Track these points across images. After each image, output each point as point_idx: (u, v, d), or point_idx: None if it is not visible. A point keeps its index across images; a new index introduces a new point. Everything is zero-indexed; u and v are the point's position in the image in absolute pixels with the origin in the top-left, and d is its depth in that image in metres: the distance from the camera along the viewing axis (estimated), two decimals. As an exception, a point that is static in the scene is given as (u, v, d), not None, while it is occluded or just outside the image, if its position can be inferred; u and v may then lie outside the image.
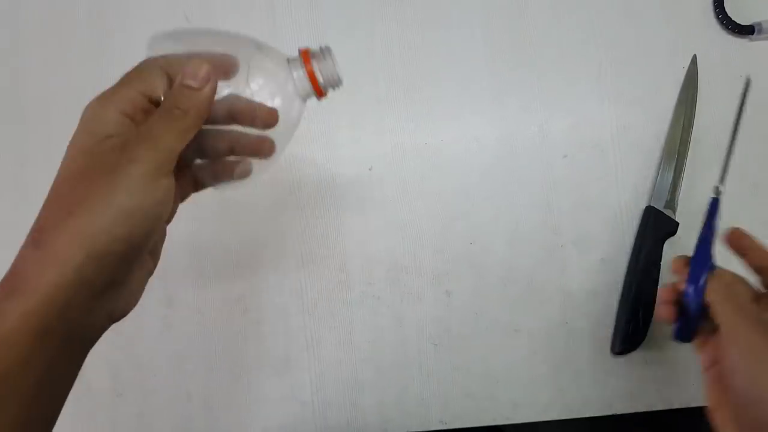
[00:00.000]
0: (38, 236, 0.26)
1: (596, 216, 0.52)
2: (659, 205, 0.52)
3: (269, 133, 0.33)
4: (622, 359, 0.51)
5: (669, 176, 0.52)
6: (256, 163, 0.34)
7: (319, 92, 0.33)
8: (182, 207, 0.34)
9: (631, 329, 0.51)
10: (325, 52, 0.33)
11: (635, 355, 0.51)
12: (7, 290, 0.25)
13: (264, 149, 0.33)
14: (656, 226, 0.51)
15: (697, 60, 0.54)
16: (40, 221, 0.27)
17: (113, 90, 0.29)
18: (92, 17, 0.56)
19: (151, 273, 0.32)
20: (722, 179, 0.42)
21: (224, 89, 0.31)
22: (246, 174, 0.33)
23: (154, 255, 0.32)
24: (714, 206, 0.41)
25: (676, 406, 0.51)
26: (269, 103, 0.32)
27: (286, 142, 0.34)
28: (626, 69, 0.54)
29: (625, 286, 0.52)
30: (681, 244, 0.51)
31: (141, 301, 0.53)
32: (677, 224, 0.51)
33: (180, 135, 0.28)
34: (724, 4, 0.54)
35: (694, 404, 0.51)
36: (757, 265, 0.37)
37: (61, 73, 0.56)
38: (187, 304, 0.53)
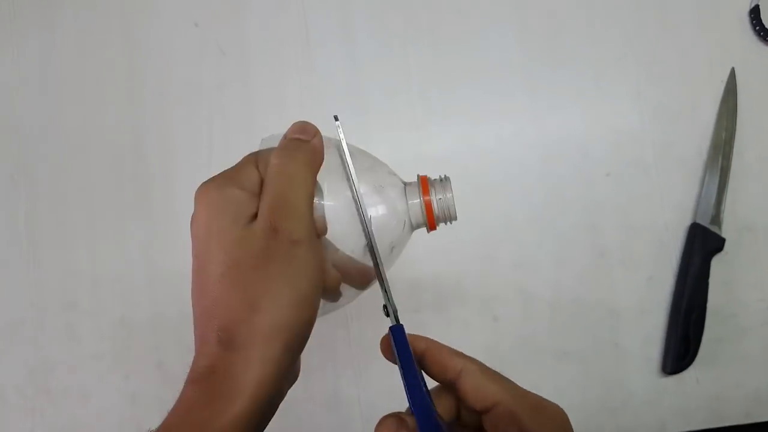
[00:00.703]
0: (226, 335, 0.25)
1: (641, 234, 0.52)
2: (705, 222, 0.51)
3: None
4: (673, 378, 0.51)
5: (713, 191, 0.52)
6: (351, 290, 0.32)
7: (432, 225, 0.31)
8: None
9: (682, 348, 0.50)
10: (445, 183, 0.31)
11: (687, 374, 0.51)
12: (212, 394, 0.24)
13: (366, 279, 0.32)
14: (703, 243, 0.51)
15: (735, 73, 0.53)
16: (217, 320, 0.25)
17: (226, 175, 0.28)
18: (128, 55, 0.56)
19: None
20: (389, 299, 0.31)
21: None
22: (337, 299, 0.32)
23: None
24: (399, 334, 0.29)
25: (729, 423, 0.51)
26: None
27: (387, 268, 0.31)
28: (665, 84, 0.53)
29: (674, 305, 0.51)
30: (728, 260, 0.51)
31: (188, 338, 0.53)
32: (724, 240, 0.51)
33: (292, 188, 0.27)
34: (761, 15, 0.53)
35: (747, 421, 0.51)
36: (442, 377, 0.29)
37: (100, 110, 0.55)
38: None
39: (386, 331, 0.30)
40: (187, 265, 0.46)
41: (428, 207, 0.30)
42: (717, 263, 0.51)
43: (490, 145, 0.54)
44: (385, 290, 0.30)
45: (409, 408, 0.27)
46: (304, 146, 0.28)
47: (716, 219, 0.51)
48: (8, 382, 0.53)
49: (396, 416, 0.27)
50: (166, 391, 0.55)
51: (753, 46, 0.54)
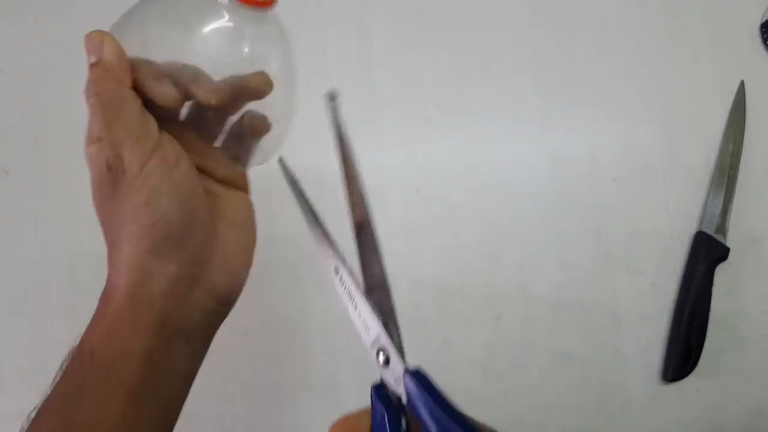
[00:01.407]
0: (109, 262, 0.30)
1: (646, 240, 0.52)
2: (710, 230, 0.51)
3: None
4: (673, 386, 0.50)
5: (719, 201, 0.52)
6: (274, 116, 0.32)
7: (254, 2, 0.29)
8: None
9: (683, 356, 0.50)
10: None
11: (687, 382, 0.50)
12: (102, 301, 0.30)
13: (256, 90, 0.31)
14: (707, 251, 0.51)
15: (744, 85, 0.54)
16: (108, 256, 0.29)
17: None
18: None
19: (245, 246, 0.33)
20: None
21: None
22: (265, 130, 0.32)
23: (240, 227, 0.33)
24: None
25: (728, 434, 0.51)
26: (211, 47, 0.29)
27: (285, 83, 0.31)
28: (675, 94, 0.54)
29: (677, 312, 0.51)
30: (732, 270, 0.51)
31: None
32: (728, 249, 0.51)
33: (113, 120, 0.27)
34: (772, 30, 0.54)
35: (746, 433, 0.50)
36: None
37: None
38: (232, 324, 0.53)
39: None
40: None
41: None
42: (721, 272, 0.51)
43: (500, 146, 0.54)
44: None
45: None
46: (100, 70, 0.28)
47: (721, 228, 0.51)
48: (7, 360, 0.53)
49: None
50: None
51: (763, 60, 0.54)
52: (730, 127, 0.53)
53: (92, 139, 0.28)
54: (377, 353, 0.26)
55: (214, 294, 0.30)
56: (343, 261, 0.28)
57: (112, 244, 0.29)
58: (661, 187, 0.53)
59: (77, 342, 0.30)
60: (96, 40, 0.28)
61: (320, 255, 0.29)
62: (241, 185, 0.34)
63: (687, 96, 0.54)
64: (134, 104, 0.28)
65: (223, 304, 0.32)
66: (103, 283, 0.53)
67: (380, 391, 0.26)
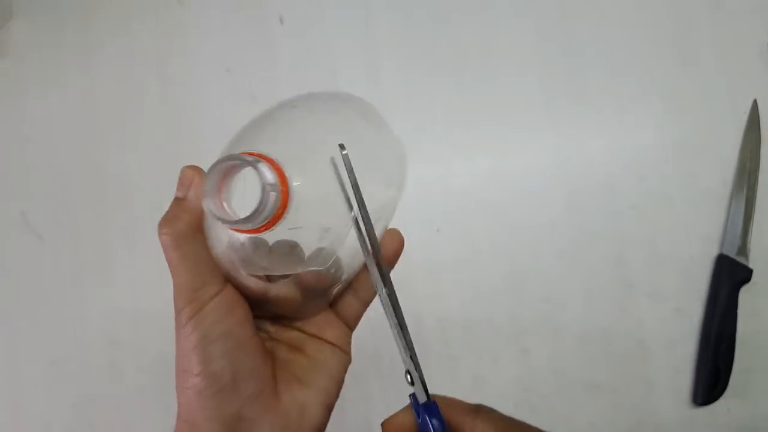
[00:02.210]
0: None
1: (668, 266, 0.53)
2: (731, 253, 0.52)
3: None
4: (704, 409, 0.51)
5: (739, 222, 0.52)
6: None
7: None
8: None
9: (713, 378, 0.51)
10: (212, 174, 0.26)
11: (718, 405, 0.51)
12: None
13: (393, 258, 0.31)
14: (730, 274, 0.51)
15: (757, 104, 0.54)
16: None
17: None
18: (163, 100, 0.58)
19: (312, 407, 0.30)
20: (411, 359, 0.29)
21: None
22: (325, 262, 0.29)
23: (315, 388, 0.30)
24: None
25: (762, 453, 0.51)
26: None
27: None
28: (687, 117, 0.54)
29: (703, 336, 0.52)
30: (757, 291, 0.51)
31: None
32: (751, 271, 0.51)
33: (177, 264, 0.27)
34: (782, 47, 0.54)
35: (781, 451, 0.51)
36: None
37: (138, 153, 0.58)
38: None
39: (401, 370, 0.29)
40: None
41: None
42: (745, 293, 0.51)
43: (515, 180, 0.55)
44: (406, 343, 0.28)
45: None
46: (180, 209, 0.28)
47: (743, 250, 0.52)
48: (54, 418, 0.55)
49: None
50: (204, 424, 0.57)
51: (774, 77, 0.54)
52: (746, 147, 0.53)
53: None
54: (406, 374, 0.29)
55: None
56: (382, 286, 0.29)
57: (177, 394, 0.28)
58: (680, 212, 0.53)
59: None
60: (188, 176, 0.28)
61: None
62: (336, 341, 0.32)
63: (699, 119, 0.54)
64: (199, 253, 0.28)
65: None
66: (140, 341, 0.56)
67: (415, 398, 0.28)
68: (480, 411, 0.28)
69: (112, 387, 0.55)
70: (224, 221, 0.25)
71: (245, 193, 0.27)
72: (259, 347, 0.29)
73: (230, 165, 0.26)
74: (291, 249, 0.28)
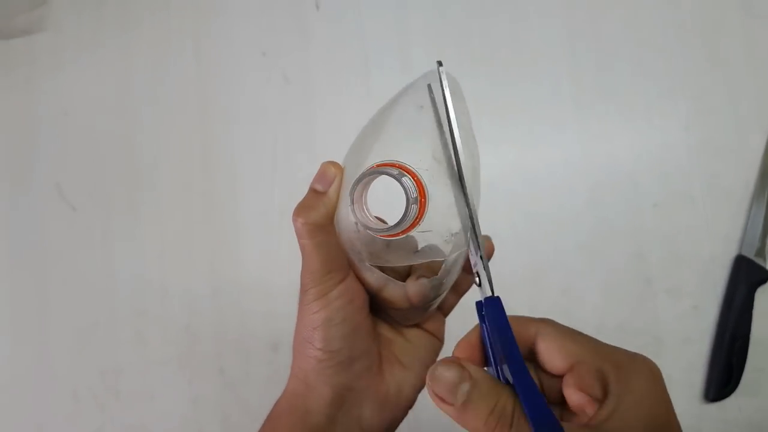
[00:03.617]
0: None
1: (687, 264, 0.53)
2: (750, 254, 0.53)
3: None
4: (715, 405, 0.52)
5: (759, 224, 0.53)
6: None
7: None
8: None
9: (725, 376, 0.52)
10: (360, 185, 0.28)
11: (729, 402, 0.52)
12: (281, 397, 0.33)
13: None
14: (748, 274, 0.52)
15: (784, 108, 0.54)
16: None
17: None
18: (198, 79, 0.59)
19: (406, 386, 0.33)
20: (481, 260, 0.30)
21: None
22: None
23: (410, 370, 0.34)
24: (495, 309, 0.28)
25: (771, 452, 0.52)
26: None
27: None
28: (713, 118, 0.55)
29: (718, 334, 0.53)
30: (773, 292, 0.52)
31: (248, 346, 0.56)
32: (769, 272, 0.52)
33: (311, 250, 0.30)
34: (811, 53, 0.55)
35: (789, 450, 0.52)
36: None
37: (171, 130, 0.59)
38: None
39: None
40: (249, 278, 0.55)
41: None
42: (761, 294, 0.52)
43: (540, 173, 0.56)
44: (478, 248, 0.30)
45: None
46: (319, 203, 0.30)
47: (761, 251, 0.53)
48: (81, 383, 0.57)
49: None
50: (225, 396, 0.58)
51: (802, 82, 0.55)
52: (770, 151, 0.54)
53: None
54: (476, 275, 0.30)
55: (362, 425, 0.32)
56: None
57: (294, 353, 0.32)
58: (701, 212, 0.54)
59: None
60: (329, 173, 0.30)
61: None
62: (433, 330, 0.35)
63: (725, 120, 0.55)
64: (332, 241, 0.30)
65: None
66: (166, 311, 0.57)
67: (480, 306, 0.29)
68: (544, 319, 0.29)
69: (136, 356, 0.57)
70: (370, 230, 0.28)
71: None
72: (372, 331, 0.33)
73: (376, 177, 0.28)
74: (407, 242, 0.30)
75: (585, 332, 0.54)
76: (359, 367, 0.31)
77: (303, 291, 0.31)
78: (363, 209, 0.29)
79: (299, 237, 0.30)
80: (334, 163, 0.31)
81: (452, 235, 0.29)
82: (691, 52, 0.56)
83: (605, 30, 0.57)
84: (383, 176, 0.27)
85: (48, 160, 0.60)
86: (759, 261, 0.52)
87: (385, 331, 0.34)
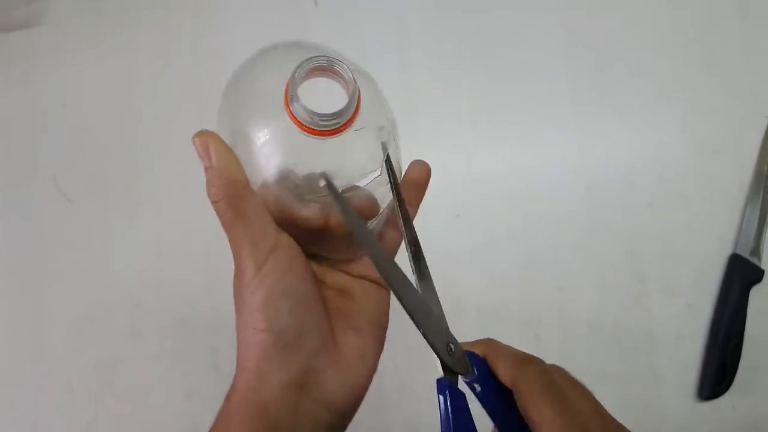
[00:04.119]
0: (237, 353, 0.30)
1: (682, 263, 0.54)
2: (745, 253, 0.53)
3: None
4: (709, 404, 0.52)
5: (754, 224, 0.53)
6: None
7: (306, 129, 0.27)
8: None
9: (719, 374, 0.52)
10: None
11: (723, 400, 0.52)
12: (227, 394, 0.29)
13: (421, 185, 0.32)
14: (742, 273, 0.53)
15: (779, 109, 0.55)
16: None
17: None
18: (196, 73, 0.60)
19: (367, 351, 0.31)
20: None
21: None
22: (376, 212, 0.31)
23: (365, 331, 0.31)
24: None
25: (763, 451, 0.52)
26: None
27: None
28: (709, 119, 0.55)
29: (712, 332, 0.53)
30: (767, 291, 0.52)
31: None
32: (763, 272, 0.53)
33: (230, 227, 0.28)
34: (806, 54, 0.55)
35: (781, 449, 0.52)
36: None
37: (168, 124, 0.60)
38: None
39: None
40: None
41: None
42: (755, 293, 0.52)
43: (537, 171, 0.56)
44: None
45: None
46: (212, 177, 0.28)
47: (756, 251, 0.53)
48: (75, 375, 0.57)
49: None
50: (219, 390, 0.58)
51: (797, 84, 0.55)
52: (764, 151, 0.54)
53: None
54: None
55: (327, 405, 0.29)
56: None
57: (238, 345, 0.29)
58: (696, 211, 0.54)
59: None
60: (202, 145, 0.29)
61: None
62: (377, 278, 0.32)
63: (721, 121, 0.55)
64: (253, 207, 0.28)
65: (338, 416, 0.30)
66: (162, 305, 0.57)
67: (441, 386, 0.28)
68: (532, 362, 0.28)
69: (132, 349, 0.57)
70: (320, 116, 0.26)
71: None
72: (320, 300, 0.30)
73: (317, 65, 0.27)
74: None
75: (580, 330, 0.55)
76: (312, 343, 0.28)
77: (238, 274, 0.28)
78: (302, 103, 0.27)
79: (220, 217, 0.28)
80: (200, 134, 0.29)
81: (380, 129, 0.29)
82: (688, 53, 0.56)
83: (603, 30, 0.57)
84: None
85: (45, 153, 0.60)
86: (753, 260, 0.53)
87: (333, 299, 0.31)
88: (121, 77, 0.60)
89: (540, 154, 0.56)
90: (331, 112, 0.26)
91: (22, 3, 0.61)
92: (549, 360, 0.55)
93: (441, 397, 0.27)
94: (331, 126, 0.27)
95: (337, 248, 0.32)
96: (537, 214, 0.55)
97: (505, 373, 0.27)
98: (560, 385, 0.27)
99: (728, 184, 0.54)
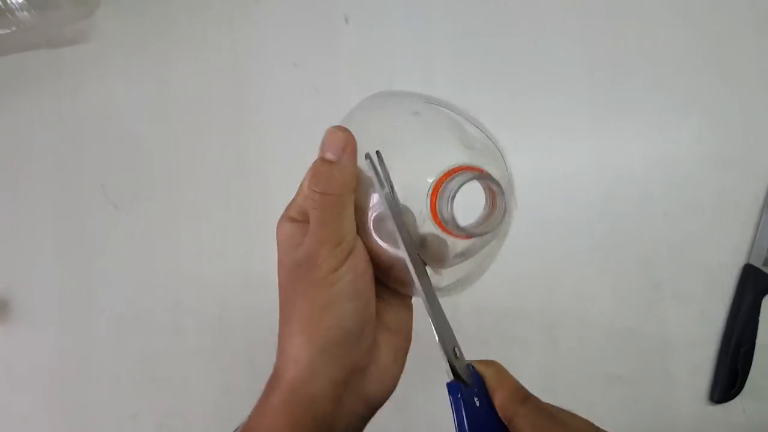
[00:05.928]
0: (279, 345, 0.31)
1: (696, 272, 0.56)
2: (758, 263, 0.55)
3: None
4: (720, 407, 0.54)
5: (767, 236, 0.55)
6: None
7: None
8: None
9: (731, 379, 0.54)
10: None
11: (734, 404, 0.54)
12: (269, 386, 0.31)
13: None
14: (755, 283, 0.54)
15: (795, 123, 0.56)
16: (279, 336, 0.31)
17: (287, 207, 0.33)
18: (232, 89, 0.63)
19: (400, 351, 0.32)
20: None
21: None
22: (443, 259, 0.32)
23: (397, 333, 0.33)
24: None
25: (774, 454, 0.54)
26: None
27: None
28: (726, 132, 0.57)
29: (724, 339, 0.55)
30: (780, 300, 0.54)
31: (276, 339, 0.60)
32: (775, 281, 0.54)
33: (324, 220, 0.28)
34: (823, 69, 0.56)
35: (791, 453, 0.54)
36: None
37: (207, 136, 0.63)
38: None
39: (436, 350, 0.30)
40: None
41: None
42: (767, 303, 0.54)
43: (556, 181, 0.58)
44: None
45: None
46: (333, 171, 0.29)
47: (769, 261, 0.55)
48: (122, 368, 0.61)
49: None
50: (255, 385, 0.61)
51: (814, 98, 0.57)
52: (780, 164, 0.56)
53: (290, 219, 0.31)
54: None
55: (366, 401, 0.31)
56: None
57: (284, 331, 0.30)
58: (711, 222, 0.56)
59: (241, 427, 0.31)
60: (338, 140, 0.29)
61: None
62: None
63: (737, 134, 0.57)
64: (350, 212, 0.29)
65: (372, 410, 0.32)
66: (201, 303, 0.61)
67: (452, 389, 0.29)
68: (528, 400, 0.28)
69: (173, 345, 0.61)
70: (469, 231, 0.28)
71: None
72: (374, 304, 0.31)
73: (469, 178, 0.29)
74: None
75: (596, 334, 0.57)
76: (366, 344, 0.30)
77: (311, 266, 0.28)
78: (451, 211, 0.28)
79: (313, 206, 0.28)
80: (340, 128, 0.30)
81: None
82: (704, 67, 0.58)
83: (621, 46, 0.59)
84: None
85: (93, 163, 0.64)
86: (766, 270, 0.54)
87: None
88: (161, 90, 0.64)
89: (558, 165, 0.59)
90: (481, 227, 0.28)
91: (70, 22, 0.65)
92: (566, 362, 0.58)
93: (452, 398, 0.28)
94: (476, 235, 0.28)
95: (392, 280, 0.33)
96: (555, 222, 0.58)
97: (502, 405, 0.28)
98: (557, 416, 0.28)
99: (742, 195, 0.56)
